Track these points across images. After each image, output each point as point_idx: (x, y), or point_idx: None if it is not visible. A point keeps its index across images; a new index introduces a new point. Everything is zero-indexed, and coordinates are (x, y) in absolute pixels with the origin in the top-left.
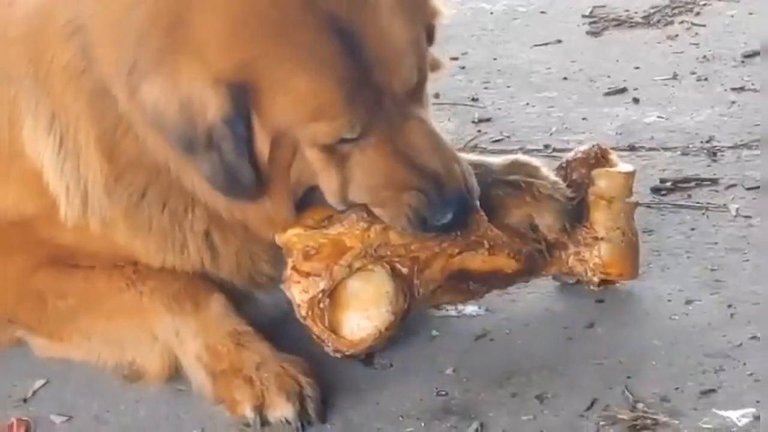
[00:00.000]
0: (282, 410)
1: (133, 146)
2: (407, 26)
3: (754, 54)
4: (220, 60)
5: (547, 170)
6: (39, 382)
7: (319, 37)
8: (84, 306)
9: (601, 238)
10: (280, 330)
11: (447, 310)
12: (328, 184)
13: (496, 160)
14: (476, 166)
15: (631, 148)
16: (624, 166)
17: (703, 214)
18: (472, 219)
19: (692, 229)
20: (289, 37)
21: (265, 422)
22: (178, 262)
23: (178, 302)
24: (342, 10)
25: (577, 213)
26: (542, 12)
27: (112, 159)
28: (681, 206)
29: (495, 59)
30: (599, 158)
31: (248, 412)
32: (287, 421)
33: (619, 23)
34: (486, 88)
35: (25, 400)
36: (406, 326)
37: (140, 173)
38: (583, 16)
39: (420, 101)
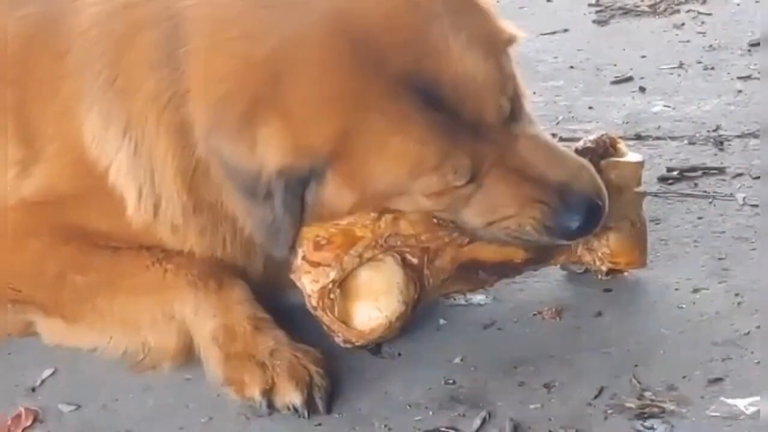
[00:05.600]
0: (290, 397)
1: (212, 190)
2: (482, 60)
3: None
4: (306, 132)
5: None
6: (47, 372)
7: (397, 99)
8: (105, 282)
9: (610, 228)
10: (291, 320)
11: (455, 299)
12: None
13: None
14: None
15: (638, 137)
16: (633, 156)
17: (710, 203)
18: (602, 220)
19: (699, 218)
20: (370, 105)
21: (271, 407)
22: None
23: (203, 280)
24: (412, 66)
25: None
26: (548, 1)
27: (191, 193)
28: (688, 195)
29: None
30: (608, 147)
31: (256, 395)
32: (294, 408)
33: (626, 12)
34: None
35: (33, 390)
36: (414, 316)
37: (217, 212)
38: (590, 5)
39: (522, 119)
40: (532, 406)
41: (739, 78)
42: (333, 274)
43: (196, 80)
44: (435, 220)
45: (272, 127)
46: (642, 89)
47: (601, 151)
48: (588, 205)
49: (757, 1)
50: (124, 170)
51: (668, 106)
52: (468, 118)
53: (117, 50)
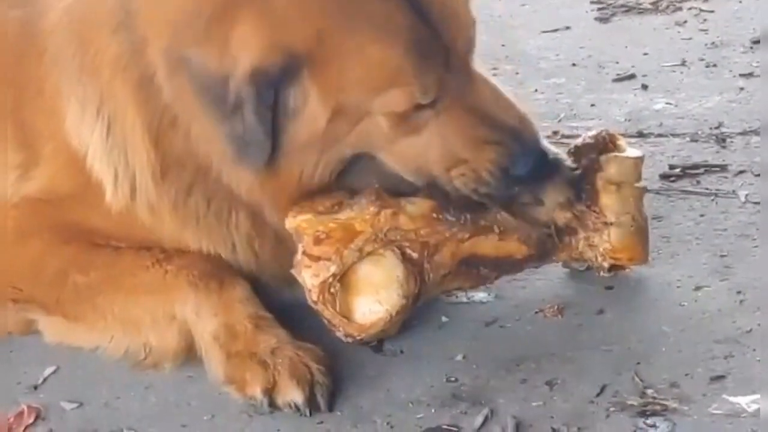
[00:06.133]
0: (291, 395)
1: (178, 142)
2: None
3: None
4: (286, 30)
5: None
6: (49, 369)
7: (388, 4)
8: (106, 282)
9: (611, 224)
10: (293, 317)
11: (457, 297)
12: (402, 155)
13: None
14: None
15: (640, 135)
16: (633, 151)
17: (712, 200)
18: (553, 167)
19: (701, 216)
20: (357, 7)
21: (273, 406)
22: (230, 257)
23: (204, 280)
24: None
25: (582, 191)
26: None
27: (158, 149)
28: (690, 192)
29: (503, 45)
30: (608, 143)
31: (258, 394)
32: (296, 406)
33: (628, 9)
34: (494, 74)
35: (35, 387)
36: (415, 313)
37: (186, 171)
38: (592, 3)
39: (473, 60)
40: (534, 404)
41: (741, 75)
42: (333, 269)
43: (152, 20)
44: (434, 215)
45: (249, 25)
46: (644, 86)
47: (601, 147)
48: (539, 150)
49: None
50: (99, 153)
51: (670, 104)
52: (445, 40)
53: (81, 33)
